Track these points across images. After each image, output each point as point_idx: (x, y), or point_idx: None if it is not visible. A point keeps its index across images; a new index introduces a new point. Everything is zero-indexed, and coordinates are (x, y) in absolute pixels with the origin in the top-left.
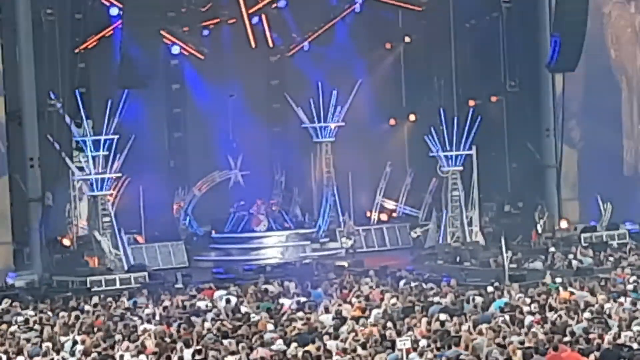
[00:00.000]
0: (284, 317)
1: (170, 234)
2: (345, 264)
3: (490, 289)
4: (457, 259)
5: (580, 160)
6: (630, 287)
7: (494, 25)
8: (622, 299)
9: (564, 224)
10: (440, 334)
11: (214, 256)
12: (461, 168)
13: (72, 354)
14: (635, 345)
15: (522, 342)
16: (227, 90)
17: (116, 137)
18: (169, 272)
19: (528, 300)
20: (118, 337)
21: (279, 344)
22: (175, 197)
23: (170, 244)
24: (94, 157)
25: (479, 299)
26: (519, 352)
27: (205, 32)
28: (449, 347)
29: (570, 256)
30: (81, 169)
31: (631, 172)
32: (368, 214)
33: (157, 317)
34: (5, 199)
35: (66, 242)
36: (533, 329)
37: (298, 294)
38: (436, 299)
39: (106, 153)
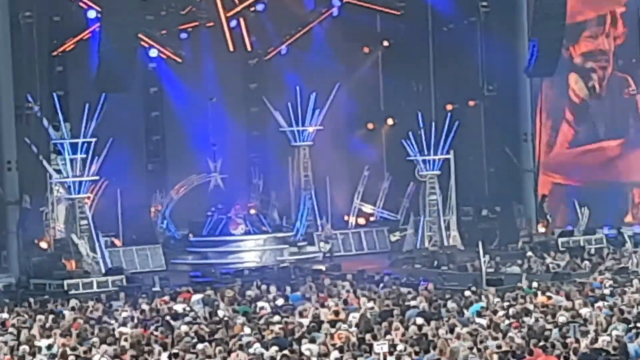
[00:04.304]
0: (262, 321)
1: (147, 237)
2: (322, 267)
3: (467, 293)
4: (435, 263)
5: None
6: (607, 291)
7: (471, 30)
8: (599, 304)
9: (541, 229)
10: (418, 338)
11: (191, 259)
12: (439, 172)
13: (51, 357)
14: (612, 351)
15: (499, 347)
16: (205, 94)
17: (94, 140)
18: (146, 276)
19: (505, 305)
20: (95, 340)
21: (257, 348)
22: (153, 201)
23: (148, 247)
24: (71, 160)
25: (456, 303)
26: (496, 357)
27: (184, 35)
28: (426, 352)
29: (548, 260)
30: (59, 171)
31: None
32: (346, 218)
33: (135, 320)
34: None
35: (44, 245)
36: (510, 334)
37: (276, 297)
38: (413, 302)
39: (84, 156)
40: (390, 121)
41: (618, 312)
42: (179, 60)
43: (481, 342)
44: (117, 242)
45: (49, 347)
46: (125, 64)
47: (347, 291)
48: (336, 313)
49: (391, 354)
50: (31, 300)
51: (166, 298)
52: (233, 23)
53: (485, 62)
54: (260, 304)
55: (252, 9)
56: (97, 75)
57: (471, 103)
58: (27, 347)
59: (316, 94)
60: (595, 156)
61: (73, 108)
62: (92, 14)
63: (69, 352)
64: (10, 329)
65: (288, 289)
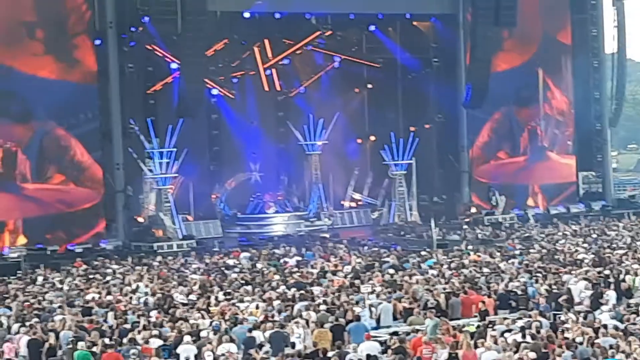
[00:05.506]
0: (286, 271)
1: (210, 215)
2: (327, 235)
3: (423, 253)
4: (402, 233)
5: None
6: (517, 252)
7: (427, 77)
8: (511, 260)
9: (473, 210)
10: (390, 282)
11: (239, 230)
12: (405, 172)
13: (145, 294)
14: (519, 292)
15: (444, 289)
16: (249, 119)
17: (174, 149)
18: (209, 240)
19: (449, 261)
20: (175, 283)
21: (282, 289)
22: (213, 190)
23: (210, 222)
24: (159, 163)
25: (416, 259)
26: (442, 295)
27: (235, 80)
28: (395, 291)
29: (477, 231)
30: (151, 170)
31: None
32: (342, 202)
33: (201, 270)
34: (101, 191)
35: (141, 219)
36: (452, 280)
37: (295, 255)
38: (387, 259)
39: (167, 160)
40: (372, 138)
41: (524, 266)
42: (231, 96)
43: (433, 285)
44: (190, 218)
45: (139, 288)
46: (195, 98)
47: (343, 251)
48: (335, 266)
49: (372, 293)
50: (132, 256)
51: (222, 255)
52: (268, 72)
53: (436, 98)
54: (285, 259)
55: (281, 62)
56: (177, 106)
57: (427, 126)
58: (129, 288)
59: (323, 119)
60: (511, 166)
61: (160, 128)
62: (174, 65)
63: (157, 291)
64: (118, 275)
65: (303, 249)
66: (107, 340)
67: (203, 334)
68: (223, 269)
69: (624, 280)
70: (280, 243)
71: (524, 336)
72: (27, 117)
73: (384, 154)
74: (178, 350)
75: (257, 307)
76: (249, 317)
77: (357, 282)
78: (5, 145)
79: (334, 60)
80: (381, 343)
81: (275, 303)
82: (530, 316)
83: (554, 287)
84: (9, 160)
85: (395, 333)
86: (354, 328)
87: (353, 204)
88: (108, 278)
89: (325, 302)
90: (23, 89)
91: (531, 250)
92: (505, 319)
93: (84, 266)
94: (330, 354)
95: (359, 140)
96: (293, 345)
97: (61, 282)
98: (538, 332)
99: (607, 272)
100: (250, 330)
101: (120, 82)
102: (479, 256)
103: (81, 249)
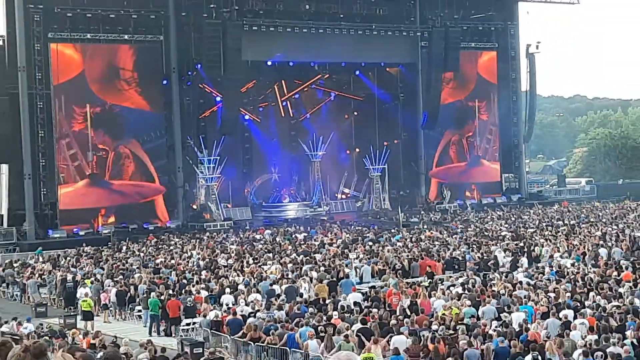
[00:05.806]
0: (297, 243)
1: (243, 203)
2: (325, 218)
3: (393, 230)
4: (378, 216)
5: None
6: (459, 230)
7: (396, 107)
8: (454, 235)
9: (429, 200)
10: (369, 251)
11: (264, 214)
12: (380, 174)
13: (198, 259)
14: (460, 258)
15: (408, 256)
16: (271, 137)
17: (218, 157)
18: (242, 221)
19: (411, 236)
20: (218, 252)
21: (294, 255)
22: (245, 186)
23: (243, 208)
24: (208, 167)
25: (387, 235)
26: (406, 260)
27: (261, 109)
28: (373, 258)
29: (431, 215)
30: (202, 172)
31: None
32: (336, 195)
33: (237, 242)
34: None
35: (194, 207)
36: (413, 249)
37: (303, 232)
38: (368, 235)
39: (213, 165)
40: (357, 149)
41: (464, 240)
42: (258, 120)
43: (399, 253)
44: (229, 206)
45: (193, 255)
46: (233, 122)
47: (337, 229)
48: (331, 240)
49: (357, 258)
50: (188, 232)
51: (251, 232)
52: (284, 103)
53: (402, 122)
54: (295, 235)
55: (293, 97)
56: (220, 127)
57: (395, 141)
58: (186, 254)
59: (322, 137)
60: (455, 169)
61: (209, 142)
62: (218, 99)
63: (206, 256)
64: (179, 246)
65: (309, 228)
66: (170, 292)
67: (239, 287)
68: (252, 241)
69: (533, 250)
70: (292, 223)
71: (463, 289)
72: (116, 133)
73: (365, 161)
74: (221, 299)
75: (276, 269)
76: (271, 275)
77: (346, 251)
78: (99, 153)
79: (330, 95)
80: (363, 294)
81: (289, 265)
82: (467, 275)
83: (484, 254)
84: (101, 163)
85: (372, 287)
86: (344, 283)
87: (343, 196)
88: (171, 247)
89: (323, 265)
90: (114, 114)
91: (469, 229)
92: (450, 277)
93: (155, 239)
94: (327, 301)
95: (348, 152)
96: (301, 295)
97: (139, 250)
98: (473, 286)
99: (522, 244)
100: (271, 285)
101: (180, 110)
102: (432, 233)
103: (152, 227)
